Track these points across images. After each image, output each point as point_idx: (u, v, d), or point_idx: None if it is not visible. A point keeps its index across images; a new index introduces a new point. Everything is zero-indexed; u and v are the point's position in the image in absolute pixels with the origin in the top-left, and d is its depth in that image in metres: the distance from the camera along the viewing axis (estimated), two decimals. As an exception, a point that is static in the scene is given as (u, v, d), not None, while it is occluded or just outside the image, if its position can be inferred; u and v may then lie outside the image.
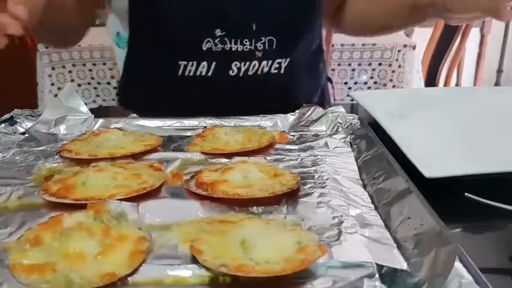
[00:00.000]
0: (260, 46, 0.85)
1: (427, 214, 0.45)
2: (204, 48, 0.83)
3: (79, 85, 1.98)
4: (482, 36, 2.66)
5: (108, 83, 1.98)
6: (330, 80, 1.09)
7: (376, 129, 0.70)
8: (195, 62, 0.85)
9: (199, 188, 0.55)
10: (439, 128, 0.75)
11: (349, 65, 2.07)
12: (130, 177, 0.57)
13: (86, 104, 0.78)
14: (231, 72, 0.86)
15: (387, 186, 0.54)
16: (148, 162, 0.64)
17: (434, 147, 0.68)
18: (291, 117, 0.78)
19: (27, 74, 2.06)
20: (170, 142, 0.71)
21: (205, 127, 0.75)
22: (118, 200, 0.50)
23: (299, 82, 0.93)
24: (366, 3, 0.95)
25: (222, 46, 0.84)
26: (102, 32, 1.23)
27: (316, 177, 0.59)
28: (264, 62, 0.87)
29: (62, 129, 0.75)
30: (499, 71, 3.36)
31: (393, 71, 2.05)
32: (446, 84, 2.44)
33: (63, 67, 1.96)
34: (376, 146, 0.64)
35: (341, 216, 0.49)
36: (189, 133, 0.74)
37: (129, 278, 0.41)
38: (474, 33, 2.52)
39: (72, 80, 1.97)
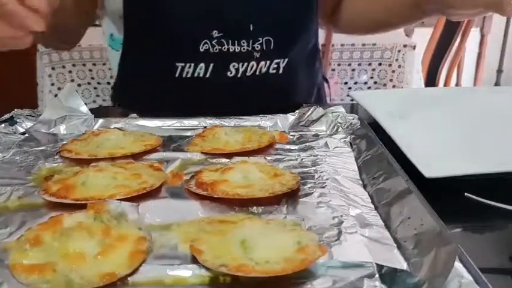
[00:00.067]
0: (258, 47, 0.85)
1: (427, 214, 0.45)
2: (202, 50, 0.83)
3: (79, 85, 1.98)
4: (482, 36, 2.66)
5: (108, 83, 1.97)
6: (325, 79, 1.09)
7: (376, 129, 0.70)
8: (192, 64, 0.85)
9: (199, 188, 0.55)
10: (439, 128, 0.75)
11: (349, 65, 2.07)
12: (130, 177, 0.57)
13: (86, 104, 0.78)
14: (229, 73, 0.86)
15: (387, 186, 0.54)
16: (148, 162, 0.64)
17: (434, 147, 0.68)
18: (291, 117, 0.78)
19: (27, 74, 2.06)
20: (170, 142, 0.71)
21: (205, 127, 0.75)
22: (118, 200, 0.50)
23: (297, 82, 0.93)
24: (366, 2, 0.94)
25: (220, 47, 0.83)
26: (102, 32, 1.23)
27: (316, 177, 0.59)
28: (262, 63, 0.87)
29: (62, 129, 0.75)
30: (499, 71, 3.36)
31: (393, 71, 2.05)
32: (446, 84, 2.44)
33: (63, 67, 1.96)
34: (376, 146, 0.64)
35: (341, 216, 0.49)
36: (189, 133, 0.74)
37: (129, 278, 0.41)
38: (474, 33, 2.52)
39: (72, 80, 1.96)
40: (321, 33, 1.92)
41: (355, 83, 2.09)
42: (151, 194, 0.55)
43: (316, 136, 0.72)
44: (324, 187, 0.56)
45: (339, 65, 2.07)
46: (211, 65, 0.85)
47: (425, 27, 2.47)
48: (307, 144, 0.69)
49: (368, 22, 0.97)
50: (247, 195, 0.53)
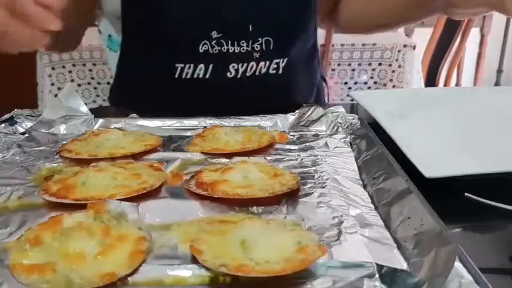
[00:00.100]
0: (257, 47, 0.85)
1: (427, 214, 0.45)
2: (201, 51, 0.83)
3: (79, 85, 1.98)
4: (482, 36, 2.66)
5: (108, 83, 1.97)
6: (324, 79, 1.09)
7: (376, 129, 0.70)
8: (192, 65, 0.84)
9: (199, 188, 0.55)
10: (439, 128, 0.75)
11: (349, 65, 2.07)
12: (130, 177, 0.57)
13: (86, 104, 0.78)
14: (228, 74, 0.86)
15: (387, 186, 0.54)
16: (148, 162, 0.64)
17: (434, 147, 0.68)
18: (291, 117, 0.78)
19: (27, 74, 2.06)
20: (170, 142, 0.71)
21: (205, 127, 0.75)
22: (118, 200, 0.50)
23: (297, 81, 0.93)
24: (365, 3, 0.94)
25: (219, 48, 0.83)
26: (98, 32, 1.23)
27: (316, 177, 0.59)
28: (262, 63, 0.87)
29: (62, 129, 0.75)
30: (499, 71, 3.36)
31: (393, 71, 2.05)
32: (446, 84, 2.44)
33: (63, 67, 1.96)
34: (376, 146, 0.64)
35: (341, 216, 0.49)
36: (189, 133, 0.74)
37: (129, 278, 0.41)
38: (474, 33, 2.52)
39: (72, 80, 1.96)
40: (321, 33, 1.92)
41: (355, 83, 2.09)
42: (151, 194, 0.55)
43: (316, 136, 0.72)
44: (324, 187, 0.56)
45: (339, 65, 2.07)
46: (211, 65, 0.85)
47: (425, 27, 2.47)
48: (307, 144, 0.69)
49: (367, 22, 0.97)
50: (247, 195, 0.53)
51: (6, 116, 0.76)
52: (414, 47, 2.03)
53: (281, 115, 0.78)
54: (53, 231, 0.45)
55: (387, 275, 0.40)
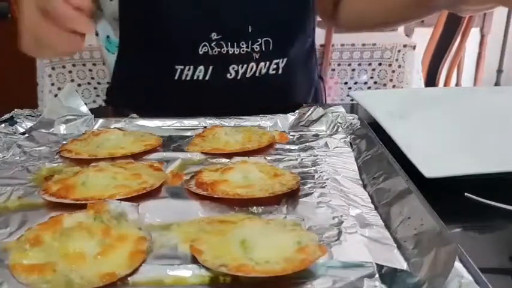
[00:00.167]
0: (257, 48, 0.85)
1: (427, 214, 0.45)
2: (201, 53, 0.83)
3: (79, 85, 1.98)
4: (482, 36, 2.67)
5: (108, 83, 1.97)
6: (321, 78, 1.09)
7: (376, 129, 0.70)
8: (191, 67, 0.84)
9: (199, 188, 0.55)
10: (439, 128, 0.75)
11: (349, 65, 2.07)
12: (130, 177, 0.57)
13: (86, 104, 0.78)
14: (228, 75, 0.86)
15: (387, 186, 0.54)
16: (148, 162, 0.64)
17: (434, 147, 0.68)
18: (291, 117, 0.78)
19: (27, 74, 2.06)
20: (170, 142, 0.71)
21: (205, 127, 0.75)
22: (118, 200, 0.50)
23: (296, 81, 0.94)
24: (365, 3, 0.94)
25: (219, 50, 0.83)
26: (95, 33, 1.22)
27: (316, 177, 0.59)
28: (262, 64, 0.87)
29: (62, 129, 0.75)
30: (499, 71, 3.36)
31: (393, 71, 2.05)
32: (446, 84, 2.44)
33: (63, 67, 1.96)
34: (376, 146, 0.64)
35: (341, 216, 0.49)
36: (189, 133, 0.74)
37: (129, 278, 0.41)
38: (474, 33, 2.53)
39: (72, 80, 1.96)
40: (321, 33, 1.93)
41: (355, 83, 2.09)
42: (151, 194, 0.55)
43: (316, 136, 0.72)
44: (324, 187, 0.56)
45: (339, 65, 2.07)
46: (211, 67, 0.85)
47: (425, 27, 2.47)
48: (307, 144, 0.69)
49: (367, 21, 0.97)
50: (247, 195, 0.53)
51: (6, 116, 0.76)
52: (414, 47, 2.03)
53: (281, 115, 0.78)
54: (53, 231, 0.45)
55: (387, 275, 0.40)
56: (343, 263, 0.42)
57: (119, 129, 0.74)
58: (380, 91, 1.74)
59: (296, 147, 0.69)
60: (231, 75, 0.86)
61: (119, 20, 0.84)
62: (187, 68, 0.84)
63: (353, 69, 2.08)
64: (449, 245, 0.38)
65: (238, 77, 0.86)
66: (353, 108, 0.94)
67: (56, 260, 0.41)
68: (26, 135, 0.72)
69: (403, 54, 2.03)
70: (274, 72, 0.88)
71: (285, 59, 0.88)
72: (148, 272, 0.41)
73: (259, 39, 0.85)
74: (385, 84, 2.06)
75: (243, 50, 0.84)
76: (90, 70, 1.98)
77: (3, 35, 2.33)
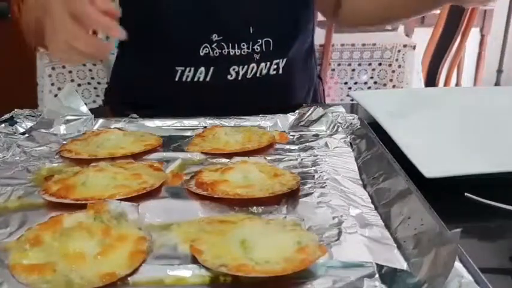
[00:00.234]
0: (257, 48, 0.85)
1: (427, 214, 0.45)
2: (202, 54, 0.83)
3: (79, 85, 1.98)
4: (482, 36, 2.67)
5: (108, 83, 1.98)
6: (320, 78, 1.10)
7: (376, 129, 0.70)
8: (192, 68, 0.84)
9: (199, 188, 0.55)
10: (439, 128, 0.75)
11: (349, 65, 2.07)
12: (131, 177, 0.57)
13: (86, 104, 0.78)
14: (229, 76, 0.86)
15: (387, 186, 0.54)
16: (148, 162, 0.64)
17: (434, 147, 0.68)
18: (291, 117, 0.78)
19: (27, 74, 2.06)
20: (170, 142, 0.71)
21: (205, 127, 0.75)
22: (118, 200, 0.50)
23: (296, 81, 0.94)
24: (367, 0, 0.94)
25: (220, 51, 0.83)
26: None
27: (316, 177, 0.59)
28: (262, 64, 0.87)
29: (62, 129, 0.75)
30: (499, 71, 3.36)
31: (393, 71, 2.05)
32: (446, 84, 2.44)
33: (63, 67, 1.95)
34: (376, 146, 0.64)
35: (341, 216, 0.49)
36: (189, 133, 0.74)
37: (129, 278, 0.41)
38: (474, 33, 2.53)
39: (72, 80, 1.96)
40: (321, 33, 1.93)
41: (355, 83, 2.09)
42: (151, 194, 0.55)
43: (316, 136, 0.72)
44: (324, 187, 0.56)
45: (339, 65, 2.07)
46: (212, 68, 0.85)
47: (425, 27, 2.47)
48: (307, 144, 0.69)
49: (369, 18, 0.97)
50: (247, 195, 0.53)
51: (6, 116, 0.76)
52: (414, 47, 2.03)
53: (281, 115, 0.78)
54: (53, 231, 0.45)
55: (387, 275, 0.40)
56: (343, 263, 0.42)
57: (119, 129, 0.74)
58: (380, 91, 1.74)
59: (296, 147, 0.69)
60: (231, 76, 0.86)
61: (119, 21, 0.84)
62: (188, 69, 0.84)
63: (353, 69, 2.07)
64: (449, 245, 0.38)
65: (239, 78, 0.86)
66: (353, 108, 0.94)
67: (56, 260, 0.41)
68: (26, 135, 0.72)
69: (403, 54, 2.03)
70: (274, 72, 0.88)
71: (285, 59, 0.88)
72: (148, 272, 0.41)
73: (260, 40, 0.85)
74: (385, 84, 2.06)
75: (244, 51, 0.84)
76: (90, 70, 1.98)
77: (3, 35, 2.33)
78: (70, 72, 1.97)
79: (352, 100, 0.93)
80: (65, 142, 0.70)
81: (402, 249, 0.44)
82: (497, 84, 3.31)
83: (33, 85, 2.04)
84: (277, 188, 0.54)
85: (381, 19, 0.95)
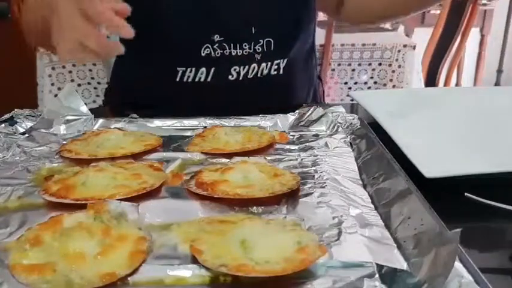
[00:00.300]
0: (259, 49, 0.85)
1: (427, 214, 0.45)
2: (203, 54, 0.83)
3: (79, 85, 1.98)
4: (482, 36, 2.67)
5: (108, 83, 1.97)
6: (320, 78, 1.10)
7: (376, 129, 0.70)
8: (193, 68, 0.84)
9: (199, 188, 0.55)
10: (439, 128, 0.75)
11: (349, 65, 2.07)
12: (130, 177, 0.57)
13: (86, 104, 0.78)
14: (230, 76, 0.86)
15: (387, 186, 0.54)
16: (148, 162, 0.64)
17: (434, 147, 0.68)
18: (291, 117, 0.78)
19: (27, 74, 2.06)
20: (170, 142, 0.71)
21: (205, 127, 0.75)
22: (118, 200, 0.50)
23: (297, 81, 0.94)
24: None
25: (221, 51, 0.83)
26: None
27: (316, 177, 0.59)
28: (263, 64, 0.87)
29: (62, 129, 0.75)
30: (499, 71, 3.36)
31: (393, 71, 2.05)
32: (446, 84, 2.44)
33: (63, 67, 1.95)
34: (376, 146, 0.64)
35: (341, 216, 0.49)
36: (189, 133, 0.74)
37: (129, 278, 0.41)
38: (474, 33, 2.53)
39: (72, 80, 1.96)
40: (321, 33, 1.93)
41: (355, 83, 2.09)
42: (151, 194, 0.55)
43: (316, 136, 0.72)
44: (324, 187, 0.56)
45: (339, 65, 2.07)
46: (213, 69, 0.85)
47: (425, 27, 2.47)
48: (307, 144, 0.69)
49: (372, 15, 0.97)
50: (247, 195, 0.53)
51: (6, 116, 0.76)
52: (414, 47, 2.03)
53: (281, 115, 0.78)
54: (53, 231, 0.45)
55: (387, 275, 0.40)
56: (343, 263, 0.42)
57: (119, 129, 0.74)
58: (380, 91, 1.74)
59: (296, 147, 0.69)
60: (232, 76, 0.86)
61: None
62: (189, 69, 0.84)
63: (353, 69, 2.08)
64: (449, 245, 0.38)
65: (240, 78, 0.86)
66: (353, 108, 0.94)
67: (56, 260, 0.41)
68: (26, 135, 0.72)
69: (403, 54, 2.03)
70: (275, 72, 0.88)
71: (286, 59, 0.88)
72: (148, 272, 0.41)
73: (261, 40, 0.85)
74: (385, 84, 2.06)
75: (245, 51, 0.84)
76: (90, 70, 1.98)
77: (3, 35, 2.33)
78: (70, 72, 1.97)
79: (352, 100, 0.93)
80: (65, 142, 0.70)
81: (402, 249, 0.44)
82: (497, 84, 3.31)
83: (33, 85, 2.04)
84: (277, 188, 0.54)
85: (382, 16, 0.96)
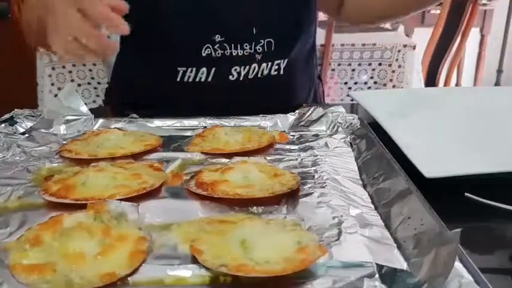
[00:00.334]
0: (259, 49, 0.85)
1: (427, 214, 0.45)
2: (204, 54, 0.83)
3: (79, 85, 1.98)
4: (482, 36, 2.67)
5: (109, 83, 1.97)
6: (320, 78, 1.10)
7: (376, 129, 0.70)
8: (194, 68, 0.84)
9: (199, 188, 0.55)
10: (439, 128, 0.75)
11: (349, 65, 2.07)
12: (131, 177, 0.57)
13: (86, 104, 0.78)
14: (231, 77, 0.86)
15: (387, 186, 0.54)
16: (148, 162, 0.64)
17: (434, 147, 0.68)
18: (291, 117, 0.78)
19: (27, 74, 2.06)
20: (170, 142, 0.71)
21: (205, 127, 0.75)
22: (118, 200, 0.50)
23: (297, 81, 0.94)
24: None
25: (222, 52, 0.83)
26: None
27: (316, 177, 0.59)
28: (264, 65, 0.87)
29: (62, 129, 0.75)
30: (499, 71, 3.36)
31: (393, 71, 2.05)
32: (446, 84, 2.44)
33: (63, 67, 1.95)
34: (376, 146, 0.64)
35: (341, 216, 0.49)
36: (189, 133, 0.74)
37: (129, 278, 0.41)
38: (474, 33, 2.53)
39: (72, 80, 1.96)
40: (321, 33, 1.93)
41: (355, 83, 2.09)
42: (151, 194, 0.55)
43: (316, 136, 0.72)
44: (324, 187, 0.56)
45: (339, 65, 2.07)
46: (213, 69, 0.85)
47: (425, 27, 2.47)
48: (307, 144, 0.69)
49: (372, 16, 0.97)
50: (247, 195, 0.53)
51: (6, 116, 0.76)
52: (414, 47, 2.03)
53: (281, 115, 0.78)
54: (53, 231, 0.45)
55: (387, 275, 0.40)
56: (343, 263, 0.42)
57: (119, 129, 0.74)
58: (380, 91, 1.74)
59: (296, 147, 0.69)
60: (233, 76, 0.86)
61: None
62: (189, 69, 0.84)
63: (353, 69, 2.08)
64: (449, 245, 0.38)
65: (241, 78, 0.86)
66: (353, 108, 0.94)
67: (56, 260, 0.41)
68: (26, 135, 0.72)
69: (403, 54, 2.03)
70: (276, 73, 0.88)
71: (286, 59, 0.88)
72: (148, 272, 0.41)
73: (262, 40, 0.85)
74: (385, 84, 2.06)
75: (246, 52, 0.84)
76: (90, 70, 1.98)
77: (3, 35, 2.33)
78: (70, 72, 1.97)
79: (352, 100, 0.93)
80: (65, 142, 0.70)
81: (402, 249, 0.44)
82: (497, 84, 3.31)
83: (33, 85, 2.04)
84: (277, 188, 0.54)
85: (382, 16, 0.96)
